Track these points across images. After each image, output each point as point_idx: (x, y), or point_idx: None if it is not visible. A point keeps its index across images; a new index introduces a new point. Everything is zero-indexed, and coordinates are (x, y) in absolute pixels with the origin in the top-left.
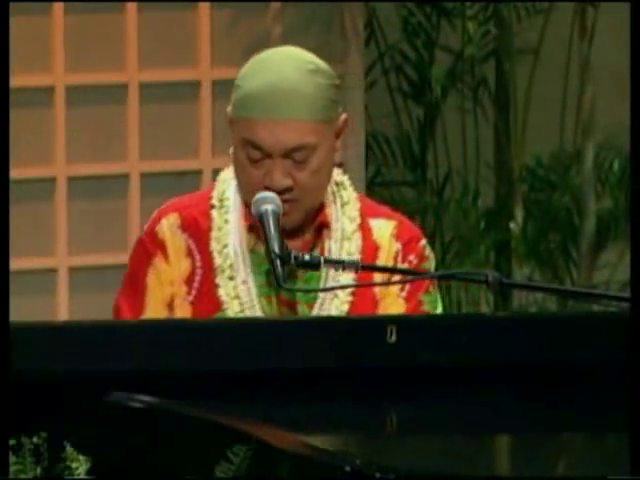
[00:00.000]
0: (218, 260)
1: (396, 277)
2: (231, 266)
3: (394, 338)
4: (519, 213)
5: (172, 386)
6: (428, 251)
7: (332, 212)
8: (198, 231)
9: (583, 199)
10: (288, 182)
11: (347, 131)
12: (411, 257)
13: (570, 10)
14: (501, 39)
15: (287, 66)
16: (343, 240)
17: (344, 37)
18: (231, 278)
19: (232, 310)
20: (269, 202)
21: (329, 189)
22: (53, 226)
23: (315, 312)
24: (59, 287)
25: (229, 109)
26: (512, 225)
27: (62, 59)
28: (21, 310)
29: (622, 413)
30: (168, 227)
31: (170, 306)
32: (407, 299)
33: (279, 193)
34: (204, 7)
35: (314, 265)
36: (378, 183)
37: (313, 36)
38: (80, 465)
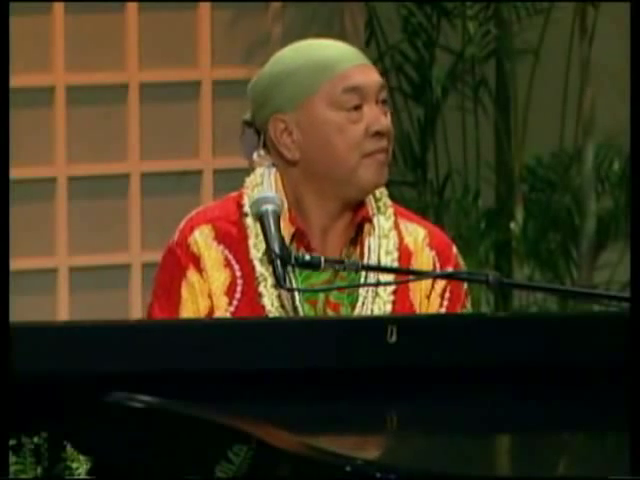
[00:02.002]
0: (259, 268)
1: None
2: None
3: (394, 338)
4: (519, 213)
5: (172, 386)
6: (461, 260)
7: (371, 208)
8: (234, 242)
9: (583, 199)
10: (390, 122)
11: None
12: (449, 268)
13: (570, 10)
14: (501, 39)
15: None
16: (381, 238)
17: (344, 37)
18: (274, 286)
19: None
20: (269, 202)
21: None
22: (53, 226)
23: (357, 313)
24: (59, 287)
25: (279, 117)
26: (512, 225)
27: (62, 59)
28: (21, 310)
29: (622, 413)
30: (202, 239)
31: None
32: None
33: (384, 135)
34: (204, 7)
35: (314, 265)
36: None
37: (313, 36)
38: (80, 465)
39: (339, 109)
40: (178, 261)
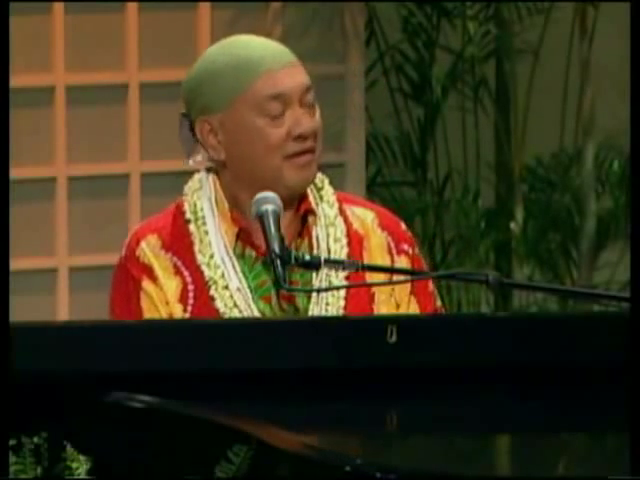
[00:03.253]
0: (208, 272)
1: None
2: (222, 275)
3: (394, 338)
4: (519, 213)
5: (172, 386)
6: (411, 234)
7: (313, 199)
8: (181, 249)
9: (583, 199)
10: (314, 123)
11: (347, 131)
12: (405, 246)
13: (570, 10)
14: (501, 39)
15: (247, 39)
16: (328, 226)
17: (344, 37)
18: (225, 287)
19: None
20: (269, 202)
21: None
22: (53, 226)
23: (313, 302)
24: (59, 287)
25: (203, 118)
26: (512, 225)
27: (62, 59)
28: (21, 310)
29: (622, 413)
30: (150, 249)
31: None
32: (415, 294)
33: (307, 138)
34: (204, 7)
35: (314, 265)
36: (378, 183)
37: (313, 36)
38: (80, 465)
39: (262, 114)
40: (131, 275)
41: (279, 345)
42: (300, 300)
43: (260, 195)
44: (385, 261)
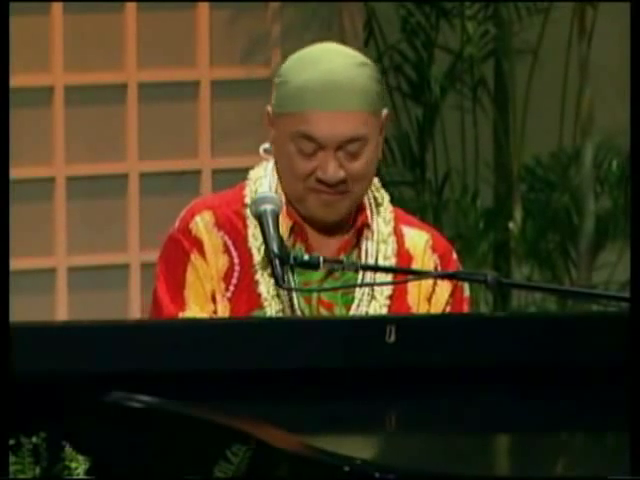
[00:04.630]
0: (257, 257)
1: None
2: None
3: (393, 338)
4: (518, 213)
5: (172, 386)
6: (459, 264)
7: (370, 213)
8: (233, 229)
9: (582, 199)
10: (342, 174)
11: None
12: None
13: (569, 10)
14: (500, 39)
15: (336, 59)
16: (380, 242)
17: (343, 37)
18: (272, 275)
19: (272, 308)
20: (268, 202)
21: None
22: (52, 226)
23: (352, 314)
24: (58, 287)
25: (269, 108)
26: (511, 225)
27: (61, 59)
28: (20, 310)
29: (622, 413)
30: (203, 224)
31: (213, 300)
32: (452, 303)
33: (332, 185)
34: (203, 7)
35: (313, 265)
36: None
37: (312, 36)
38: (79, 465)
39: (294, 144)
40: (182, 247)
41: (279, 345)
42: (338, 309)
43: (259, 195)
44: (429, 282)
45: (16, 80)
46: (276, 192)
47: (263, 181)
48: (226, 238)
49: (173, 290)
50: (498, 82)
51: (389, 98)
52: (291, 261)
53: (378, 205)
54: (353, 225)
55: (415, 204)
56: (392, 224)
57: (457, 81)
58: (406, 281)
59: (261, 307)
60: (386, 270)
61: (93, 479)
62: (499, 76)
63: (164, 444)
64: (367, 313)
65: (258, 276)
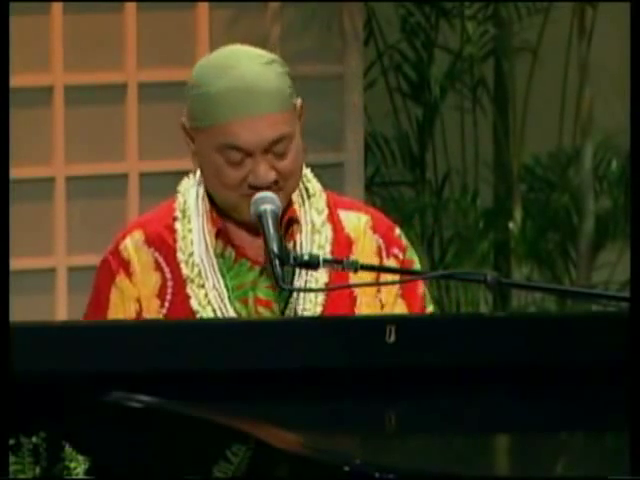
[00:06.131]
0: (185, 270)
1: (385, 275)
2: (199, 274)
3: (393, 338)
4: (518, 213)
5: (172, 386)
6: (405, 239)
7: (299, 206)
8: (164, 245)
9: (582, 199)
10: (273, 175)
11: (346, 131)
12: (395, 250)
13: (569, 10)
14: (500, 39)
15: (244, 62)
16: (313, 233)
17: (343, 37)
18: (201, 286)
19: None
20: (268, 202)
21: None
22: (52, 226)
23: (290, 307)
24: (58, 287)
25: (185, 119)
26: (511, 225)
27: (61, 59)
28: (20, 310)
29: (622, 413)
30: (133, 244)
31: None
32: (405, 297)
33: (265, 188)
34: (203, 7)
35: (313, 265)
36: (377, 183)
37: (312, 36)
38: (79, 465)
39: (221, 155)
40: (109, 268)
41: (279, 345)
42: (277, 305)
43: (259, 195)
44: (373, 263)
45: (16, 80)
46: (203, 201)
47: (191, 191)
48: (157, 254)
49: (95, 314)
50: (498, 82)
51: (389, 98)
52: (291, 261)
53: (310, 196)
54: (281, 221)
55: (415, 204)
56: (326, 212)
57: (457, 81)
58: (406, 281)
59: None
60: (384, 270)
61: (93, 479)
62: (499, 76)
63: (164, 444)
64: (304, 307)
65: (188, 289)
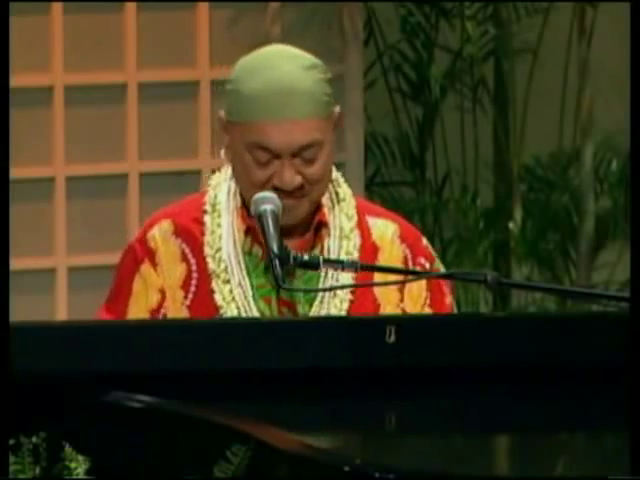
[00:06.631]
0: (212, 265)
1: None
2: (225, 270)
3: (393, 338)
4: (518, 213)
5: (172, 386)
6: (432, 250)
7: (329, 210)
8: (191, 237)
9: (582, 199)
10: (298, 180)
11: (346, 131)
12: (421, 260)
13: (569, 10)
14: (500, 39)
15: (284, 64)
16: (341, 239)
17: (343, 37)
18: (226, 282)
19: (230, 314)
20: (268, 202)
21: None
22: (52, 226)
23: (315, 311)
24: (58, 287)
25: (222, 113)
26: (511, 225)
27: (61, 59)
28: (20, 310)
29: (622, 413)
30: (160, 234)
31: (154, 313)
32: (432, 306)
33: (289, 192)
34: (203, 7)
35: (313, 265)
36: (377, 183)
37: (312, 36)
38: (79, 465)
39: (250, 153)
40: (135, 256)
41: (279, 345)
42: (300, 307)
43: (259, 195)
44: (399, 276)
45: (16, 80)
46: (234, 197)
47: (223, 186)
48: (184, 246)
49: (116, 301)
50: (498, 82)
51: (389, 98)
52: (291, 261)
53: (340, 201)
54: (310, 225)
55: (415, 204)
56: (355, 219)
57: (457, 81)
58: (403, 282)
59: (219, 314)
60: (384, 270)
61: (93, 479)
62: (499, 76)
63: (164, 444)
64: (328, 311)
65: (214, 284)
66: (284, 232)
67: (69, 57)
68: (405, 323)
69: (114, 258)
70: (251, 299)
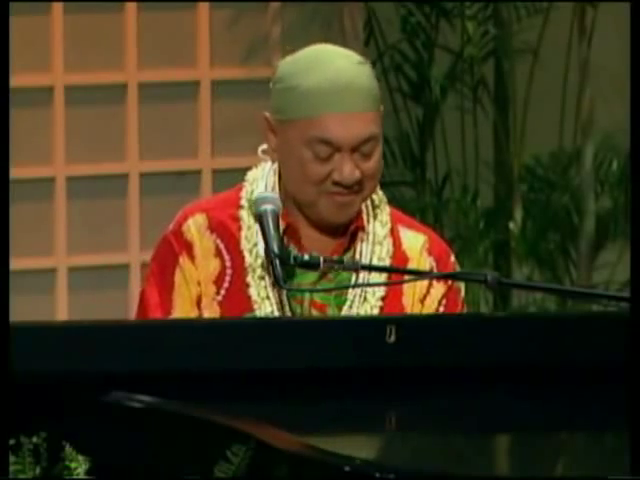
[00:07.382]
0: (249, 259)
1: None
2: (262, 265)
3: (393, 338)
4: (518, 213)
5: (172, 386)
6: (458, 267)
7: (365, 215)
8: (226, 232)
9: (582, 199)
10: (358, 174)
11: None
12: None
13: (569, 10)
14: (500, 39)
15: (338, 60)
16: (375, 244)
17: (343, 37)
18: (262, 278)
19: (263, 311)
20: (268, 202)
21: None
22: (52, 226)
23: (345, 314)
24: (58, 287)
25: (267, 114)
26: (511, 225)
27: (61, 59)
28: (20, 310)
29: (622, 413)
30: (196, 227)
31: (198, 305)
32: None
33: (348, 187)
34: (203, 7)
35: (313, 265)
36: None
37: (312, 36)
38: (79, 465)
39: (309, 149)
40: (172, 248)
41: (279, 345)
42: (331, 310)
43: (260, 195)
44: (424, 284)
45: (16, 80)
46: (272, 193)
47: (260, 183)
48: (218, 241)
49: (162, 292)
50: (498, 82)
51: (389, 98)
52: (291, 261)
53: (375, 207)
54: (348, 227)
55: (415, 204)
56: (389, 226)
57: (457, 81)
58: (401, 282)
59: (252, 310)
60: (385, 270)
61: (93, 479)
62: (499, 76)
63: (164, 444)
64: (358, 314)
65: (249, 278)
66: (321, 232)
67: (69, 57)
68: (405, 323)
69: (114, 258)
70: (285, 298)
